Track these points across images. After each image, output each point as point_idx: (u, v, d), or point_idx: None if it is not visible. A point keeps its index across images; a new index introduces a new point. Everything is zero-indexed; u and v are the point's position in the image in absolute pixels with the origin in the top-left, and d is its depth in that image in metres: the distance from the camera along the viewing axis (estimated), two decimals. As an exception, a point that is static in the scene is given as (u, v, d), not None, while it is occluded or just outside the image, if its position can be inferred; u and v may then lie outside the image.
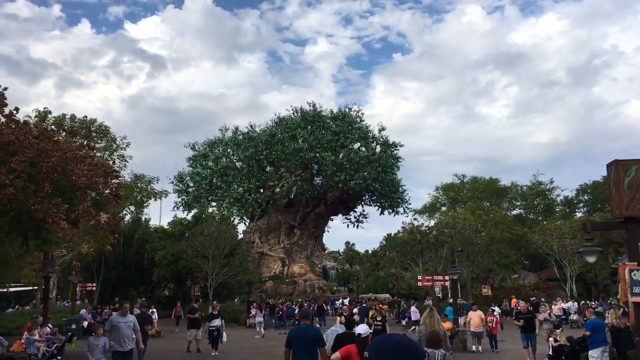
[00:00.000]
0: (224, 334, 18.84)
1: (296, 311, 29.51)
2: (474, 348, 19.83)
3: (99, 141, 28.10)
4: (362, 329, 7.15)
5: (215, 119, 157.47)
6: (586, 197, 69.10)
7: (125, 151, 29.51)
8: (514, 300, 37.34)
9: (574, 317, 33.61)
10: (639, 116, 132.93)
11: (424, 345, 6.91)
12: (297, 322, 20.57)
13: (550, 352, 13.17)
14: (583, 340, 11.97)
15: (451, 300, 26.72)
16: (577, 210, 68.98)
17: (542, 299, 35.96)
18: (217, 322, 18.56)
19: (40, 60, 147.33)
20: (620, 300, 10.57)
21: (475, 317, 19.92)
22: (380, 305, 29.73)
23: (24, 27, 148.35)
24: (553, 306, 33.77)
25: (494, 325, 20.51)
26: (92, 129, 27.83)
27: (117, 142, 28.99)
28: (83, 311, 24.48)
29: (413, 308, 29.18)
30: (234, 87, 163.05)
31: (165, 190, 30.22)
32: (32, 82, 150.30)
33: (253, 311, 27.66)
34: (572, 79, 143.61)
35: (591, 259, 8.77)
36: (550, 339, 14.22)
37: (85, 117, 28.35)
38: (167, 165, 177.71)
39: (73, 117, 27.53)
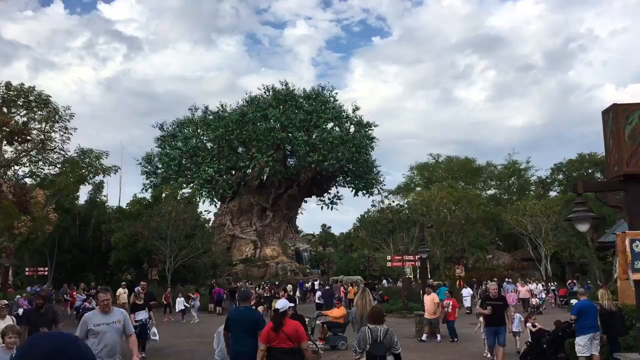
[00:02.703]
0: (154, 330, 14.67)
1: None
2: (424, 337, 17.10)
3: (39, 111, 25.86)
4: (280, 303, 7.20)
5: (193, 102, 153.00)
6: (560, 177, 68.73)
7: (69, 123, 27.29)
8: (461, 284, 32.40)
9: (534, 301, 29.00)
10: (612, 100, 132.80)
11: (356, 325, 7.05)
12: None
13: (530, 340, 11.55)
14: (569, 325, 10.44)
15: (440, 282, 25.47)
16: (551, 189, 68.58)
17: (508, 280, 33.44)
18: (142, 315, 14.16)
19: (13, 41, 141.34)
20: (619, 278, 9.16)
21: (427, 302, 17.18)
22: (351, 288, 28.43)
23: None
24: (521, 287, 30.49)
25: (449, 310, 17.58)
26: (31, 98, 25.62)
27: (60, 113, 26.71)
28: (18, 297, 22.41)
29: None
30: (212, 70, 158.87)
31: (115, 166, 28.09)
32: (4, 64, 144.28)
33: (192, 294, 25.41)
34: (548, 63, 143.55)
35: (583, 227, 7.21)
36: (528, 324, 12.31)
37: (22, 84, 26.13)
38: (146, 149, 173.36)
39: (9, 84, 25.24)
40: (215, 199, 63.91)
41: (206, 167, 59.32)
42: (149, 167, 63.49)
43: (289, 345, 6.79)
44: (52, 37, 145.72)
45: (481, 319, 13.13)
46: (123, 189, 56.25)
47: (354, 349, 6.89)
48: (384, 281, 34.87)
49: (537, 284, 33.51)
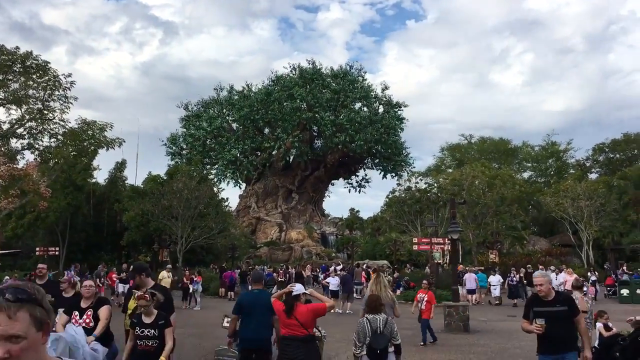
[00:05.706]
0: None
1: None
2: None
3: (37, 78, 24.45)
4: (295, 287, 6.98)
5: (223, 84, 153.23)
6: (601, 158, 65.00)
7: (70, 92, 25.87)
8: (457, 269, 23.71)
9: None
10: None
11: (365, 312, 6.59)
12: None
13: (597, 344, 8.96)
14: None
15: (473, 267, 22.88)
16: (591, 172, 64.87)
17: (541, 267, 28.19)
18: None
19: (52, 26, 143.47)
20: None
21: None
22: (372, 272, 26.31)
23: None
24: (569, 276, 26.85)
25: (423, 307, 13.43)
26: (27, 63, 24.28)
27: (61, 81, 25.24)
28: (7, 279, 21.06)
29: (470, 275, 23.66)
30: (246, 55, 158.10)
31: (119, 139, 26.40)
32: (45, 49, 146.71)
33: (195, 277, 23.16)
34: (588, 46, 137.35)
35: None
36: (599, 324, 9.31)
37: (17, 47, 24.83)
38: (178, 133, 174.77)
39: (2, 48, 23.94)
40: (239, 181, 62.73)
41: (231, 147, 58.00)
42: (174, 147, 62.59)
43: (302, 332, 6.51)
44: (90, 22, 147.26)
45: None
46: (151, 171, 55.34)
47: (354, 343, 6.35)
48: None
49: (556, 273, 25.04)
